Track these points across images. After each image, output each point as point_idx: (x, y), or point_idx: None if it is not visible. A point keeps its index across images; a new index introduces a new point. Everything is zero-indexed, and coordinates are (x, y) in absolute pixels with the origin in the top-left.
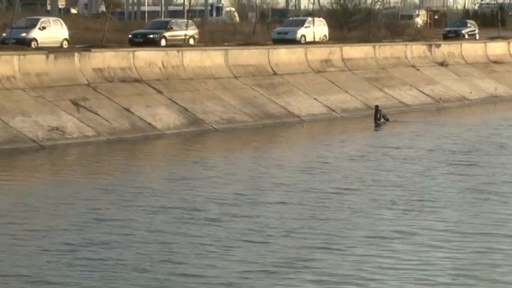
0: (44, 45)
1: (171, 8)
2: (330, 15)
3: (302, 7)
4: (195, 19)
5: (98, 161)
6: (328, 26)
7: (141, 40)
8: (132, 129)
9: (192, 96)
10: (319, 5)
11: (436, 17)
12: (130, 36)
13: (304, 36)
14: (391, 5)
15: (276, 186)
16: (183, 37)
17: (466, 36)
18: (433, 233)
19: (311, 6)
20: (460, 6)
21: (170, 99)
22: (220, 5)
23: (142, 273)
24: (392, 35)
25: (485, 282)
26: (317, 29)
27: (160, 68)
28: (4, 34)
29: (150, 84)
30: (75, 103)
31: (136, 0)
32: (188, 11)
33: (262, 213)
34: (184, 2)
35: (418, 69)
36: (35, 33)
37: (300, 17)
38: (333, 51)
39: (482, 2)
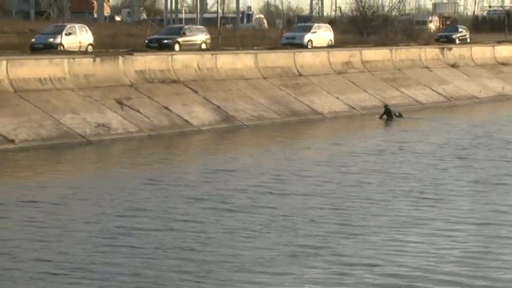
0: (69, 49)
1: (206, 15)
2: (350, 22)
3: (325, 14)
4: (227, 25)
5: (140, 155)
6: (349, 31)
7: (156, 45)
8: (171, 126)
9: (224, 95)
10: (341, 12)
11: (447, 22)
12: (146, 41)
13: (311, 41)
14: (407, 11)
15: (300, 178)
16: (196, 42)
17: (457, 41)
18: (444, 221)
19: (333, 13)
20: (469, 13)
21: (205, 98)
22: (251, 12)
23: (181, 257)
24: (408, 39)
25: (492, 268)
26: (323, 34)
27: (195, 70)
28: (33, 40)
29: (186, 84)
30: (119, 102)
31: (174, 8)
32: (221, 18)
33: (287, 202)
34: (217, 10)
35: (431, 70)
36: (61, 38)
37: (308, 23)
38: (353, 54)
39: (491, 8)
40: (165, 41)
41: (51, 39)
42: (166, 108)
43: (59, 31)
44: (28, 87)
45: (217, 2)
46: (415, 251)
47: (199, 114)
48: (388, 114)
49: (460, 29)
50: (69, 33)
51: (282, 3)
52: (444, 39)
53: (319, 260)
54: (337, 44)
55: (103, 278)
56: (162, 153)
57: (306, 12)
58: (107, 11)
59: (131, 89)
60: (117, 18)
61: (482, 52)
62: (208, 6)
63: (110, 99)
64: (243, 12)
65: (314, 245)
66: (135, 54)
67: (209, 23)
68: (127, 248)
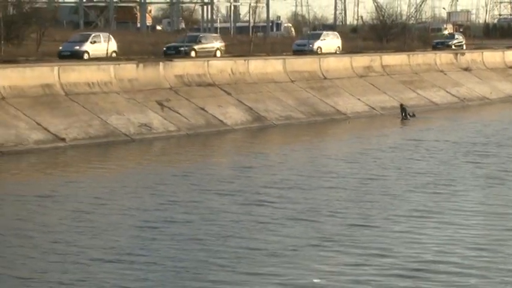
0: (94, 56)
1: (238, 24)
2: (371, 29)
3: (348, 22)
4: (258, 33)
5: (178, 152)
6: (370, 38)
7: (174, 52)
8: (207, 125)
9: (255, 97)
10: (363, 20)
11: (461, 30)
12: (164, 48)
13: (320, 47)
14: (423, 20)
15: (324, 173)
16: (211, 49)
17: (453, 47)
18: (456, 211)
19: (355, 22)
20: (481, 21)
21: (238, 100)
22: (280, 21)
23: (216, 244)
24: (424, 45)
25: (500, 254)
26: (332, 41)
27: (229, 74)
28: (61, 47)
29: (221, 87)
30: (160, 103)
31: (210, 18)
32: (253, 26)
33: (310, 195)
34: (249, 19)
35: (445, 74)
36: (87, 46)
37: (318, 31)
38: (373, 59)
39: (501, 16)
40: (182, 48)
41: (77, 47)
42: (203, 109)
43: (84, 39)
44: (77, 91)
45: (249, 12)
46: (428, 240)
47: (233, 115)
48: (403, 112)
49: (456, 36)
50: (94, 42)
51: (308, 13)
52: (440, 45)
53: (341, 248)
54: (358, 50)
55: (146, 263)
56: (198, 151)
57: (331, 21)
58: (148, 21)
59: (171, 92)
60: (158, 28)
61: (492, 57)
62: (241, 16)
63: (152, 101)
64: (272, 21)
65: (336, 234)
66: (174, 60)
67: (242, 31)
68: (167, 236)
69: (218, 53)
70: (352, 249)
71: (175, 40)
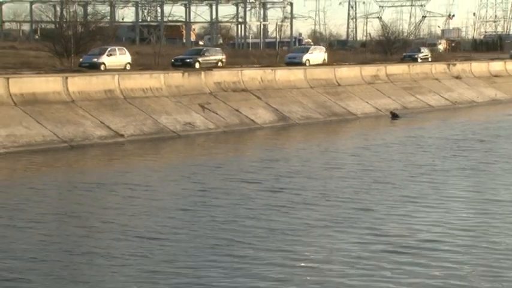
0: (110, 67)
1: (267, 40)
2: (377, 44)
3: (358, 38)
4: (284, 47)
5: (216, 146)
6: (376, 51)
7: (180, 63)
8: (240, 124)
9: (281, 100)
10: (370, 37)
11: (453, 44)
12: (172, 60)
13: (308, 60)
14: (421, 36)
15: (335, 164)
16: (214, 61)
17: (419, 60)
18: (445, 198)
19: (364, 38)
20: (470, 37)
21: (266, 103)
22: (301, 37)
23: (240, 227)
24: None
25: (484, 234)
26: (318, 54)
27: (259, 81)
28: (81, 59)
29: (252, 92)
30: (201, 106)
31: (243, 34)
32: (279, 42)
33: (322, 184)
34: (276, 36)
35: (440, 81)
36: (104, 58)
37: (306, 46)
38: (379, 69)
39: (486, 33)
40: (187, 60)
41: (95, 59)
42: (237, 110)
43: (102, 52)
44: (134, 95)
45: (276, 29)
46: (420, 221)
47: (262, 115)
48: (394, 116)
49: (422, 50)
50: (111, 54)
51: (325, 30)
52: (408, 58)
53: (346, 229)
54: (366, 61)
55: (186, 241)
56: (232, 145)
57: (344, 37)
58: (193, 37)
59: (210, 96)
60: (200, 43)
61: (479, 67)
62: (269, 33)
63: (195, 104)
64: (295, 38)
65: (341, 218)
66: (213, 70)
67: (269, 46)
68: (204, 218)
69: (219, 64)
70: (356, 230)
71: (183, 53)
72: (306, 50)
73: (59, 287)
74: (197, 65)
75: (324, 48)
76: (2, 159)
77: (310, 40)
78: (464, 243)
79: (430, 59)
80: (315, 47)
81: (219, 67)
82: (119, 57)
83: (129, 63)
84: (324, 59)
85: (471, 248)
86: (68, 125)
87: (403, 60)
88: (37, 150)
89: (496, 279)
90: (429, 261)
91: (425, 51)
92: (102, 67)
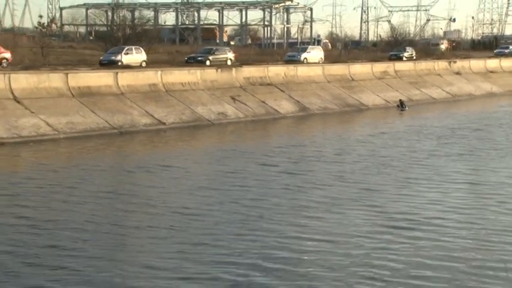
0: (127, 64)
1: (290, 40)
2: (387, 44)
3: (370, 39)
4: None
5: (245, 133)
6: (386, 51)
7: (192, 61)
8: (266, 114)
9: (302, 93)
10: (381, 37)
11: (453, 44)
12: (186, 58)
13: (306, 58)
14: (425, 37)
15: (346, 149)
16: (223, 59)
17: (404, 58)
18: (444, 179)
19: (375, 38)
20: (469, 37)
21: (289, 95)
22: (320, 38)
23: (261, 204)
24: (426, 56)
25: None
26: (316, 53)
27: (283, 76)
28: (101, 57)
29: (276, 86)
30: (232, 98)
31: (268, 35)
32: (300, 42)
33: (336, 166)
34: (298, 37)
35: (442, 77)
36: (121, 56)
37: (305, 46)
38: (388, 65)
39: (484, 34)
40: (199, 58)
41: (113, 57)
42: (263, 102)
43: (119, 51)
44: (174, 88)
45: (298, 31)
46: (422, 201)
47: (285, 106)
48: (401, 106)
49: (407, 49)
50: (127, 53)
51: (341, 32)
52: (394, 56)
53: (354, 207)
54: (377, 59)
55: (213, 216)
56: (259, 132)
57: (357, 38)
58: (225, 38)
59: (240, 90)
60: (232, 43)
61: (477, 64)
62: (291, 34)
63: (227, 96)
64: (314, 38)
65: (352, 198)
66: (243, 66)
67: (292, 45)
68: (229, 198)
69: (229, 62)
70: (364, 207)
71: (195, 52)
72: (304, 50)
73: (105, 254)
74: (208, 63)
75: (320, 48)
76: (62, 143)
77: (327, 41)
78: (461, 219)
79: (414, 57)
80: (313, 47)
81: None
82: (135, 55)
83: (144, 61)
84: (321, 58)
85: (467, 224)
86: (118, 114)
87: (390, 59)
88: (91, 136)
89: (489, 251)
90: (431, 235)
91: (409, 51)
92: (119, 64)
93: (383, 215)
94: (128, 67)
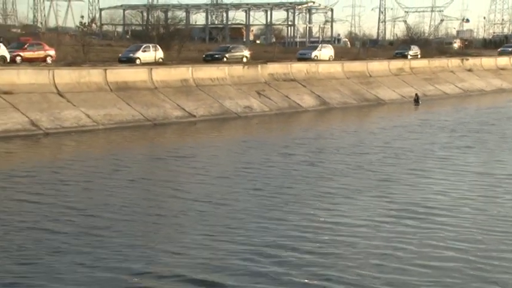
0: (145, 61)
1: (312, 39)
2: (403, 43)
3: (387, 38)
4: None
5: (268, 126)
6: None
7: (210, 58)
8: (289, 107)
9: (322, 89)
10: (397, 36)
11: (466, 43)
12: (204, 56)
13: (316, 56)
14: (439, 36)
15: (366, 141)
16: (239, 56)
17: (409, 57)
18: (454, 170)
19: (392, 37)
20: (481, 37)
21: (310, 91)
22: (340, 37)
23: (284, 192)
24: (440, 54)
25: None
26: (326, 51)
27: (305, 73)
28: (120, 55)
29: (299, 82)
30: (258, 93)
31: (292, 35)
32: (321, 41)
33: (353, 157)
34: (319, 36)
35: (454, 73)
36: (139, 54)
37: (315, 44)
38: (404, 63)
39: (495, 33)
40: (216, 56)
41: (132, 54)
42: (287, 96)
43: (137, 49)
44: (203, 84)
45: (319, 30)
46: (432, 190)
47: (307, 100)
48: (416, 101)
49: (412, 47)
50: (145, 50)
51: (359, 31)
52: (399, 55)
53: (370, 196)
54: (393, 57)
55: (232, 204)
56: (282, 125)
57: (375, 37)
58: (251, 37)
59: (265, 85)
60: (257, 42)
61: (488, 62)
62: (313, 33)
63: (252, 91)
64: (335, 37)
65: (367, 186)
66: (268, 63)
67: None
68: (247, 185)
69: (244, 59)
70: (378, 196)
71: (212, 49)
72: (315, 48)
73: (130, 241)
74: (224, 60)
75: (331, 46)
76: (100, 134)
77: (347, 39)
78: (465, 209)
79: (419, 56)
80: (323, 45)
81: (242, 62)
82: (152, 53)
83: (161, 58)
84: (331, 55)
85: (477, 212)
86: (152, 107)
87: (395, 56)
88: (127, 127)
89: (498, 237)
90: (444, 222)
91: (415, 49)
92: (137, 61)
93: (397, 203)
94: (160, 64)
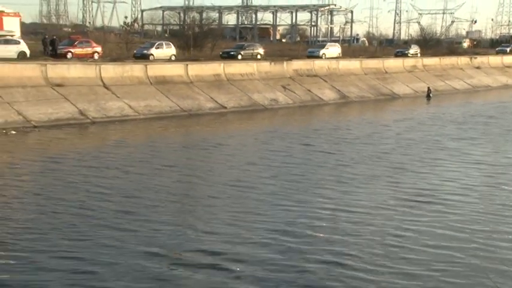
0: (158, 58)
1: (333, 38)
2: (416, 42)
3: (402, 37)
4: (345, 44)
5: (293, 117)
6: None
7: (226, 55)
8: (311, 100)
9: (342, 84)
10: (411, 36)
11: (475, 43)
12: (220, 53)
13: (324, 54)
14: (450, 36)
15: (381, 131)
16: (253, 53)
17: (409, 55)
18: (460, 161)
19: (407, 37)
20: (488, 37)
21: (331, 85)
22: (358, 37)
23: (302, 178)
24: (450, 53)
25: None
26: (333, 49)
27: (326, 69)
28: (135, 51)
29: (321, 77)
30: (283, 87)
31: (315, 34)
32: (342, 40)
33: (368, 146)
34: (339, 35)
35: (463, 70)
36: (152, 50)
37: (323, 43)
38: (417, 60)
39: (501, 34)
40: (232, 53)
41: (145, 51)
42: (309, 90)
43: (151, 46)
44: (234, 78)
45: (340, 31)
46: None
47: (328, 94)
48: (428, 95)
49: (412, 46)
50: (158, 47)
51: (377, 31)
52: (400, 54)
53: (382, 183)
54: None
55: (253, 187)
56: (304, 116)
57: (390, 36)
58: (278, 36)
59: (290, 80)
60: (283, 41)
61: (495, 60)
62: (334, 33)
63: (278, 85)
64: (354, 37)
65: (376, 176)
66: (293, 60)
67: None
68: (268, 173)
69: (258, 56)
70: (390, 183)
71: (229, 47)
72: (323, 46)
73: (166, 219)
74: (239, 57)
75: (338, 45)
76: (141, 123)
77: (365, 39)
78: (476, 195)
79: (419, 55)
80: (331, 44)
81: (256, 59)
82: (165, 50)
83: (173, 55)
84: (339, 53)
85: (482, 199)
86: (187, 99)
87: (396, 55)
88: (165, 117)
89: (502, 222)
90: (451, 208)
91: (415, 48)
92: (150, 57)
93: (407, 190)
94: (197, 60)
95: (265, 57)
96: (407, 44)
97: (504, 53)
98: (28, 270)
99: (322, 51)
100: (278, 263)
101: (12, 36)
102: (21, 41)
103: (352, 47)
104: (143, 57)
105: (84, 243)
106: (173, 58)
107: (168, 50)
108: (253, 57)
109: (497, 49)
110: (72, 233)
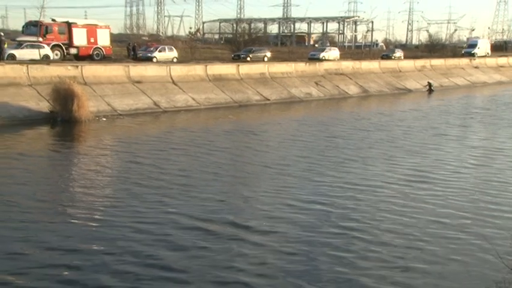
0: (161, 60)
1: (356, 43)
2: (425, 47)
3: (413, 42)
4: (366, 48)
5: (323, 107)
6: (425, 51)
7: (237, 58)
8: (338, 94)
9: (364, 80)
10: (421, 42)
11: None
12: (232, 55)
13: (324, 56)
14: (453, 41)
15: (394, 120)
16: (261, 56)
17: (393, 58)
18: (460, 148)
19: (417, 42)
20: None
21: (355, 82)
22: (377, 42)
23: (328, 161)
24: (453, 55)
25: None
26: (333, 52)
27: (351, 68)
28: (140, 54)
29: (346, 75)
30: (316, 83)
31: (342, 40)
32: (363, 45)
33: (382, 132)
34: (362, 41)
35: (464, 69)
36: (155, 53)
37: (323, 46)
38: (426, 61)
39: (496, 40)
40: (242, 56)
41: (149, 54)
42: (337, 86)
43: (155, 49)
44: (276, 76)
45: (362, 37)
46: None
47: (352, 89)
48: (430, 86)
49: (396, 50)
50: (161, 51)
51: (392, 38)
52: (385, 57)
53: (390, 163)
54: (418, 57)
55: (304, 171)
56: (332, 107)
57: (403, 42)
58: (312, 42)
59: (321, 77)
60: (316, 45)
61: (491, 61)
62: (358, 39)
63: (312, 81)
64: (374, 42)
65: (388, 156)
66: (323, 61)
67: (357, 47)
68: (309, 159)
69: (265, 59)
70: (399, 164)
71: (239, 50)
72: (323, 50)
73: (211, 195)
74: (248, 59)
75: (336, 49)
76: (202, 112)
77: (383, 44)
78: (473, 173)
79: (402, 58)
80: (330, 47)
81: (264, 61)
82: (168, 53)
83: (175, 57)
84: (337, 56)
85: (474, 178)
86: (238, 93)
87: (382, 58)
88: (220, 107)
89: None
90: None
91: (398, 52)
92: (154, 59)
93: (411, 170)
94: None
95: (271, 59)
96: (417, 48)
97: (470, 55)
98: (126, 221)
99: (322, 54)
100: (300, 232)
101: (39, 43)
102: (46, 46)
103: (372, 51)
104: (147, 60)
105: (141, 214)
106: (175, 60)
107: (170, 53)
108: (260, 59)
109: (463, 51)
110: (131, 206)
